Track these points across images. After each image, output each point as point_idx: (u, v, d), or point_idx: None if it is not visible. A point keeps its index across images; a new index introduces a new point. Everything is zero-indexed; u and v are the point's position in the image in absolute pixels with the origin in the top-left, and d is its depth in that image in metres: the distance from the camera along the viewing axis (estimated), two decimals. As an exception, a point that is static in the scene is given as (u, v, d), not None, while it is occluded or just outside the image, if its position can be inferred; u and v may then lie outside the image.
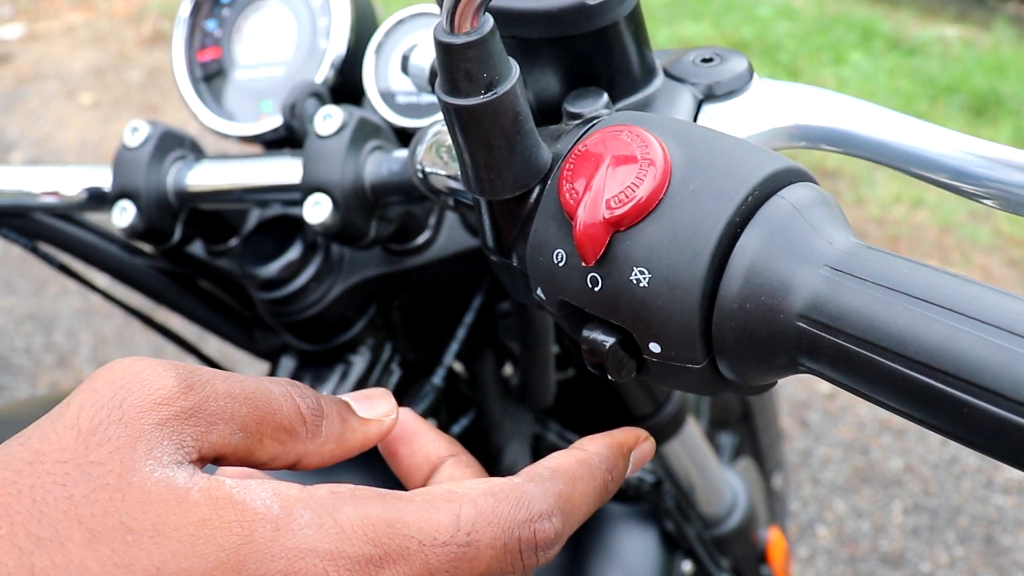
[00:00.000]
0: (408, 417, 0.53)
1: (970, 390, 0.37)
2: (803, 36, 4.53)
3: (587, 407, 1.01)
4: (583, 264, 0.46)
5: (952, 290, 0.39)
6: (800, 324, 0.41)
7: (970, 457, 2.63)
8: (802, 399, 2.83)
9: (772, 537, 1.42)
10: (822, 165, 3.69)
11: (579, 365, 0.94)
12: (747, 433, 1.84)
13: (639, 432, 0.51)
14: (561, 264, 0.47)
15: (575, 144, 0.48)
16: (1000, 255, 3.31)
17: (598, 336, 0.47)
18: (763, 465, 1.85)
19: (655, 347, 0.45)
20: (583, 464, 0.47)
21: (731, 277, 0.42)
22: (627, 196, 0.44)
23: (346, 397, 0.49)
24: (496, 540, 0.42)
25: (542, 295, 0.49)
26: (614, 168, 0.45)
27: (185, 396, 0.41)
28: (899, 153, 0.51)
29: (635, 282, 0.44)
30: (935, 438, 2.69)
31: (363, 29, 0.88)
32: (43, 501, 0.37)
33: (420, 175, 0.59)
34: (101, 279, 2.30)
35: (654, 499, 1.11)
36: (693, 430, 1.11)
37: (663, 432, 1.03)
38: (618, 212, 0.44)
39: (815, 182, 0.45)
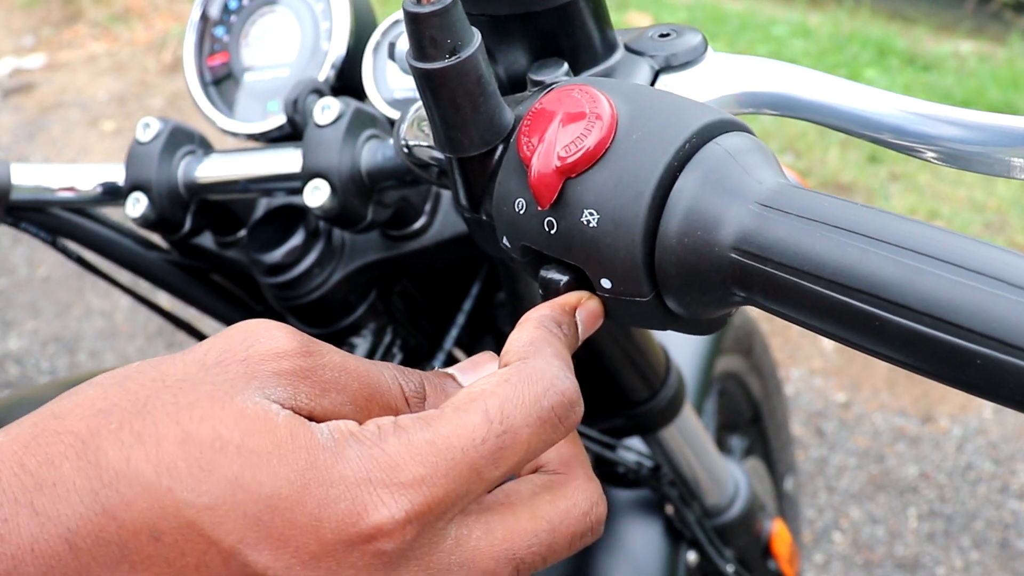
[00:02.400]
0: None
1: (880, 304, 0.41)
2: (818, 54, 4.56)
3: (587, 394, 1.05)
4: (539, 209, 0.50)
5: (865, 219, 0.43)
6: (733, 255, 0.46)
7: (985, 463, 2.65)
8: (817, 409, 2.85)
9: (776, 529, 1.44)
10: (835, 179, 3.72)
11: (578, 355, 0.98)
12: (757, 436, 1.86)
13: (581, 293, 0.53)
14: (521, 211, 0.52)
15: (533, 104, 0.52)
16: (1014, 265, 3.32)
17: (554, 275, 0.52)
18: (774, 468, 1.87)
19: (606, 283, 0.50)
20: (540, 328, 0.49)
21: (670, 215, 0.47)
22: (576, 146, 0.49)
23: (452, 369, 0.52)
24: (529, 417, 0.45)
25: (507, 243, 0.54)
26: (566, 122, 0.50)
27: (304, 357, 0.45)
28: (841, 114, 0.55)
29: (585, 223, 0.49)
30: (950, 444, 2.70)
31: (362, 31, 0.93)
32: (152, 405, 0.42)
33: (405, 149, 0.64)
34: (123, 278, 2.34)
35: (653, 483, 1.14)
36: (691, 417, 1.14)
37: (659, 418, 1.06)
38: (569, 160, 0.49)
39: (751, 132, 0.50)
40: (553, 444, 0.46)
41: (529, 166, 0.50)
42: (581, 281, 0.52)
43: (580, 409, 0.47)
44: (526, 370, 0.46)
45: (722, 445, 1.64)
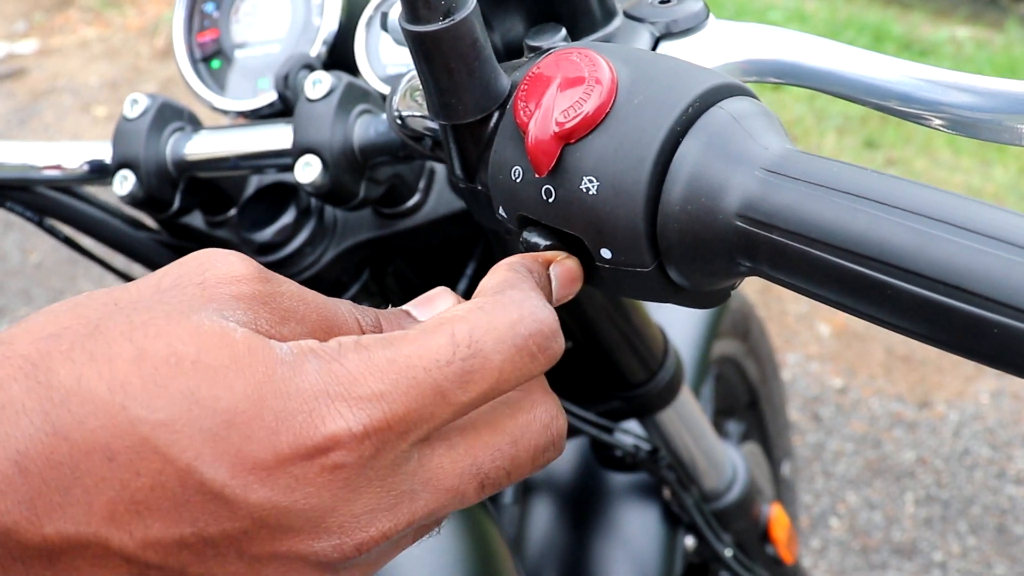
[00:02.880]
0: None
1: (892, 272, 0.39)
2: (814, 39, 4.54)
3: (583, 376, 1.04)
4: (537, 177, 0.49)
5: (875, 184, 0.41)
6: (738, 223, 0.44)
7: (982, 449, 2.64)
8: (814, 394, 2.84)
9: (774, 513, 1.43)
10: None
11: (575, 336, 0.97)
12: (754, 421, 1.85)
13: (558, 252, 0.51)
14: (518, 180, 0.50)
15: (530, 68, 0.50)
16: None
17: (536, 239, 0.50)
18: (771, 452, 1.86)
19: (606, 253, 0.48)
20: (511, 271, 0.48)
21: (673, 181, 0.45)
22: (575, 110, 0.47)
23: (408, 305, 0.51)
24: (501, 343, 0.43)
25: (504, 213, 0.52)
26: (564, 86, 0.48)
27: (262, 283, 0.44)
28: (847, 82, 0.53)
29: (585, 191, 0.47)
30: (947, 430, 2.69)
31: (354, 6, 0.91)
32: (104, 326, 0.40)
33: (398, 120, 0.62)
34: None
35: (650, 467, 1.13)
36: (689, 401, 1.13)
37: (657, 400, 1.05)
38: (567, 126, 0.47)
39: (755, 97, 0.48)
40: (532, 376, 0.45)
41: (526, 132, 0.48)
42: (581, 252, 0.50)
43: (561, 341, 0.45)
44: (501, 299, 0.45)
45: (719, 430, 1.63)
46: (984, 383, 2.82)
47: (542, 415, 0.48)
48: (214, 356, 0.40)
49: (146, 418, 0.39)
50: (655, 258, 0.47)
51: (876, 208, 0.40)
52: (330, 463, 0.40)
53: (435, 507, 0.44)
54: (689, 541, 1.28)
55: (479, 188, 0.55)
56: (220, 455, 0.39)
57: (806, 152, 0.44)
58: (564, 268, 0.51)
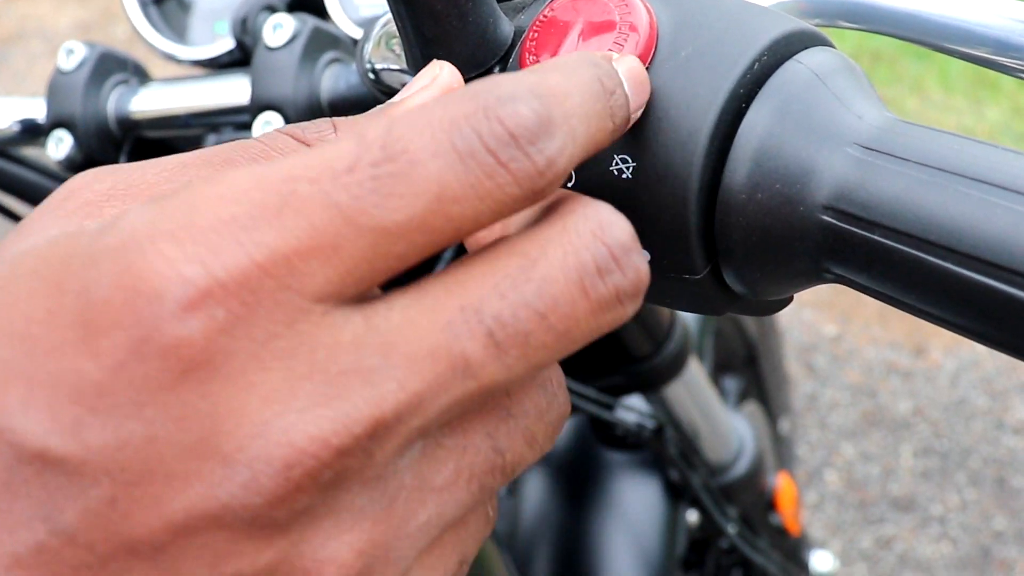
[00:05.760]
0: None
1: None
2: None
3: (584, 350, 0.94)
4: None
5: (1018, 168, 0.31)
6: (825, 217, 0.33)
7: (980, 398, 2.57)
8: (808, 343, 2.76)
9: (781, 483, 1.36)
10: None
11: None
12: (752, 377, 1.78)
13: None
14: None
15: (541, 11, 0.39)
16: None
17: None
18: (769, 409, 1.79)
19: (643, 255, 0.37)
20: (554, 60, 0.32)
21: (736, 162, 0.34)
22: None
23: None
24: (438, 142, 0.27)
25: None
26: (588, 34, 0.37)
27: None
28: (930, 26, 0.43)
29: (616, 173, 0.36)
30: (944, 379, 2.62)
31: (323, -62, 0.80)
32: None
33: (371, 75, 0.51)
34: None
35: (656, 446, 1.04)
36: (696, 372, 1.04)
37: (664, 374, 0.96)
38: None
39: (835, 48, 0.37)
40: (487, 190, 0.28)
41: None
42: None
43: (540, 160, 0.28)
44: (462, 88, 0.29)
45: (716, 387, 1.55)
46: (981, 330, 2.74)
47: (580, 224, 0.30)
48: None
49: None
50: (708, 261, 0.36)
51: (1021, 202, 0.30)
52: (174, 335, 0.25)
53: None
54: (692, 516, 1.21)
55: None
56: (31, 395, 0.26)
57: (912, 122, 0.34)
58: (628, 65, 0.34)
